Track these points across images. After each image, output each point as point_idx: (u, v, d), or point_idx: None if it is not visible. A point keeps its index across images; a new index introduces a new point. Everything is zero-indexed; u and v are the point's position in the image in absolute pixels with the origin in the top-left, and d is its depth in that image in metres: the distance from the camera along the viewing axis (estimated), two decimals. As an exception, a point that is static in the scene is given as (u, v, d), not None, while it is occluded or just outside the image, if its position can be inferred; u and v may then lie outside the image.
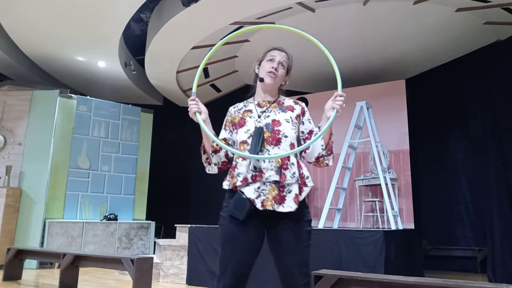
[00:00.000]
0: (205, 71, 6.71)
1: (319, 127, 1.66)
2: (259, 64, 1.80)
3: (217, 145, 1.69)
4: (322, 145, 1.66)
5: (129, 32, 6.19)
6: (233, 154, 1.72)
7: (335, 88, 1.60)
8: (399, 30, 5.38)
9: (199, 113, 1.61)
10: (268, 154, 1.61)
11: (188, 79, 6.81)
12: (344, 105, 1.54)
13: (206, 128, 1.59)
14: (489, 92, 5.24)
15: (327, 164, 1.70)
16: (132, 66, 6.83)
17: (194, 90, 1.64)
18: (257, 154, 1.57)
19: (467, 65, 5.75)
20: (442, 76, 6.35)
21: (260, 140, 1.60)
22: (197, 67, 6.35)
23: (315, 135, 1.66)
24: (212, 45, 5.73)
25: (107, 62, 6.64)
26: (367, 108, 5.21)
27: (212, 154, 1.72)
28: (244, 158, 1.63)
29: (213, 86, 7.35)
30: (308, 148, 1.69)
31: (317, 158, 1.69)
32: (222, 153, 1.72)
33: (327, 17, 5.08)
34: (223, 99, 7.79)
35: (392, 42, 5.67)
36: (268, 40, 5.33)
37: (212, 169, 1.76)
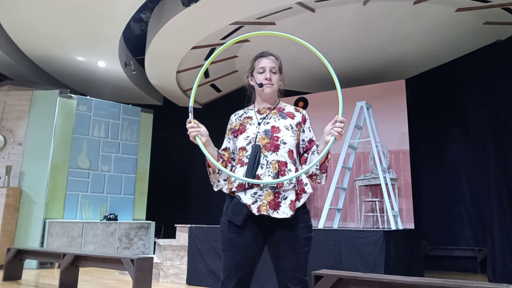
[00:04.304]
0: (205, 71, 6.71)
1: (317, 145, 1.67)
2: (252, 76, 1.80)
3: (222, 162, 1.72)
4: (317, 165, 1.66)
5: (129, 32, 6.19)
6: (234, 159, 1.75)
7: (335, 88, 1.56)
8: (399, 30, 5.38)
9: (200, 137, 1.61)
10: (266, 159, 1.62)
11: (188, 79, 6.82)
12: (343, 131, 1.53)
13: (207, 153, 1.61)
14: (489, 92, 5.24)
15: (319, 183, 1.70)
16: (132, 66, 6.83)
17: (191, 104, 1.63)
18: (253, 177, 1.58)
19: (467, 65, 5.75)
20: (442, 76, 6.35)
21: (256, 161, 1.61)
22: (197, 67, 6.39)
23: (316, 147, 1.67)
24: (212, 45, 5.77)
25: (107, 62, 6.64)
26: (367, 108, 5.21)
27: (219, 172, 1.73)
28: (242, 164, 1.65)
29: (213, 86, 7.36)
30: (305, 161, 1.71)
31: (311, 176, 1.70)
32: (228, 169, 1.73)
33: (327, 17, 5.08)
34: (223, 99, 7.80)
35: (392, 42, 5.67)
36: (268, 40, 5.34)
37: (219, 186, 1.77)
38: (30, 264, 5.49)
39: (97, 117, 6.62)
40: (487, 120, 5.18)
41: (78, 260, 4.01)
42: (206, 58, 6.13)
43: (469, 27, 5.18)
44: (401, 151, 5.74)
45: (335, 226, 4.96)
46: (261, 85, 1.74)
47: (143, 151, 7.09)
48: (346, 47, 5.78)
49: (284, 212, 1.58)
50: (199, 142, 1.60)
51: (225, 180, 1.74)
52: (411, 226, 5.37)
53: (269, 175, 1.59)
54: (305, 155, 1.72)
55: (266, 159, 1.62)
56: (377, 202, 5.19)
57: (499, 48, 5.33)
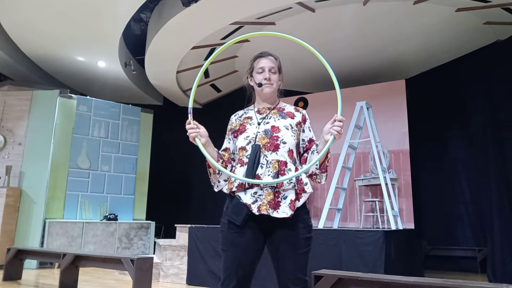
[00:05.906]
0: (205, 71, 6.71)
1: (317, 145, 1.67)
2: (251, 76, 1.81)
3: (222, 162, 1.72)
4: (317, 164, 1.66)
5: (129, 32, 6.19)
6: (234, 160, 1.75)
7: (335, 88, 1.56)
8: (399, 30, 5.38)
9: (199, 138, 1.62)
10: (266, 159, 1.62)
11: (188, 79, 6.82)
12: (342, 130, 1.53)
13: (207, 153, 1.62)
14: (489, 92, 5.25)
15: (319, 182, 1.71)
16: (132, 66, 6.83)
17: (190, 105, 1.64)
18: (253, 176, 1.59)
19: (467, 65, 5.75)
20: (442, 76, 6.34)
21: (256, 161, 1.61)
22: (197, 67, 6.39)
23: (315, 147, 1.67)
24: (212, 45, 5.77)
25: (107, 62, 6.64)
26: (367, 108, 5.21)
27: (219, 173, 1.74)
28: (242, 164, 1.65)
29: (213, 86, 7.36)
30: (305, 161, 1.71)
31: (311, 175, 1.70)
32: (228, 170, 1.73)
33: (327, 17, 5.08)
34: (223, 99, 7.80)
35: (392, 42, 5.67)
36: (268, 40, 5.33)
37: (219, 186, 1.77)
38: (30, 264, 5.49)
39: (97, 117, 6.62)
40: (487, 120, 5.18)
41: (78, 260, 4.01)
42: (206, 58, 6.13)
43: (469, 27, 5.17)
44: (401, 151, 5.74)
45: (335, 226, 4.96)
46: (260, 85, 1.74)
47: (143, 151, 7.09)
48: (346, 47, 5.78)
49: (284, 211, 1.58)
50: (199, 143, 1.61)
51: (225, 180, 1.74)
52: (411, 226, 5.37)
53: (269, 175, 1.59)
54: (305, 154, 1.72)
55: (266, 159, 1.62)
56: (377, 202, 5.19)
57: (499, 48, 5.33)
